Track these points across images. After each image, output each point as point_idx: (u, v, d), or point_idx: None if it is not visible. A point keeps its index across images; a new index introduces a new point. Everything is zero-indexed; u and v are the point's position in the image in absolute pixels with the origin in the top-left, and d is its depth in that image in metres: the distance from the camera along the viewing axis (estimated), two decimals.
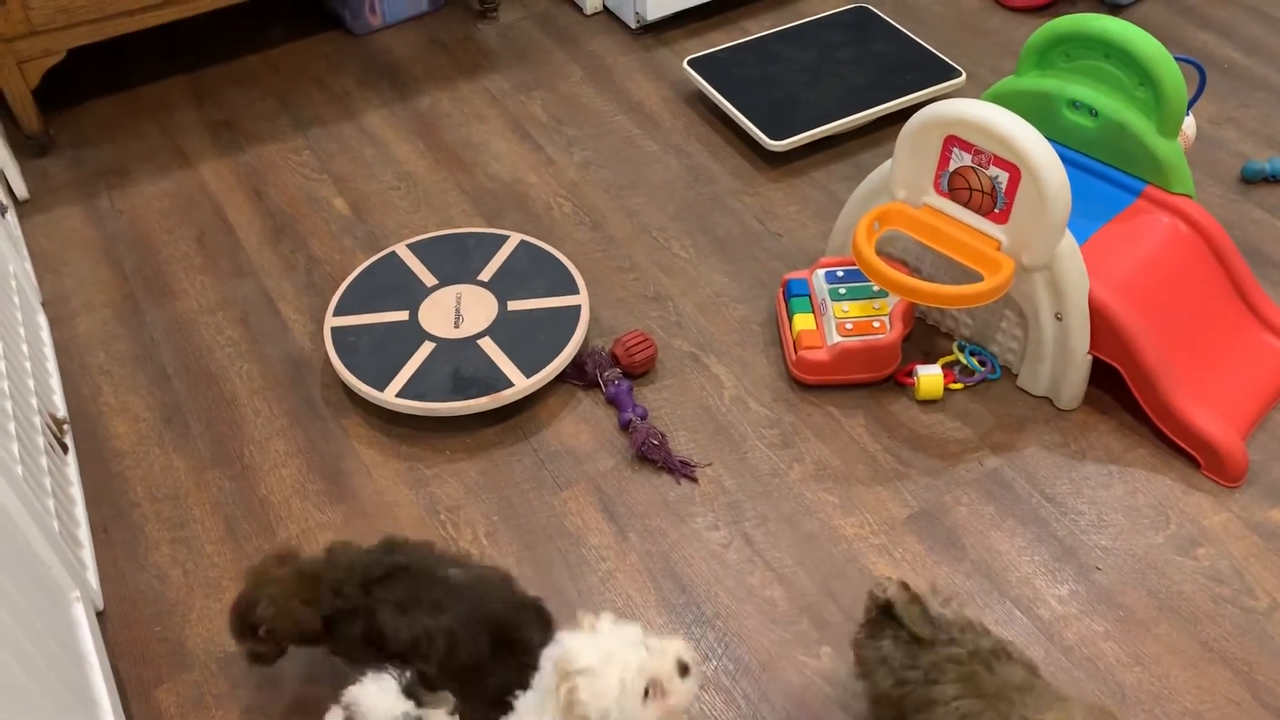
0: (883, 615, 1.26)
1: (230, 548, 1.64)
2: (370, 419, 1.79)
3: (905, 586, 1.26)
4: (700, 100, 2.38)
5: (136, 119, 2.39)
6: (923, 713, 1.19)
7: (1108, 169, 1.80)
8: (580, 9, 2.65)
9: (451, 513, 1.66)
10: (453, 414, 1.72)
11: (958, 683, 1.18)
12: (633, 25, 2.57)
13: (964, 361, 1.82)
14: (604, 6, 2.64)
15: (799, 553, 1.60)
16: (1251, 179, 2.13)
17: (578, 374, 1.82)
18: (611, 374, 1.79)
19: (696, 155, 2.27)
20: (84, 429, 1.79)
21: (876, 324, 1.78)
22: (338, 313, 1.86)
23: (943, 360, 1.82)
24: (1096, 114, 1.77)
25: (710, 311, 1.96)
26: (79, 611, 1.43)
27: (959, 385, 1.80)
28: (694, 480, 1.69)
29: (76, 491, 1.67)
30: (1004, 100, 1.85)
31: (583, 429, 1.77)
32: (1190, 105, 1.90)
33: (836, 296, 1.83)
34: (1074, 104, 1.79)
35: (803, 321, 1.83)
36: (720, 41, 2.46)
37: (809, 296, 1.87)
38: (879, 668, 1.26)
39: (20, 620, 1.20)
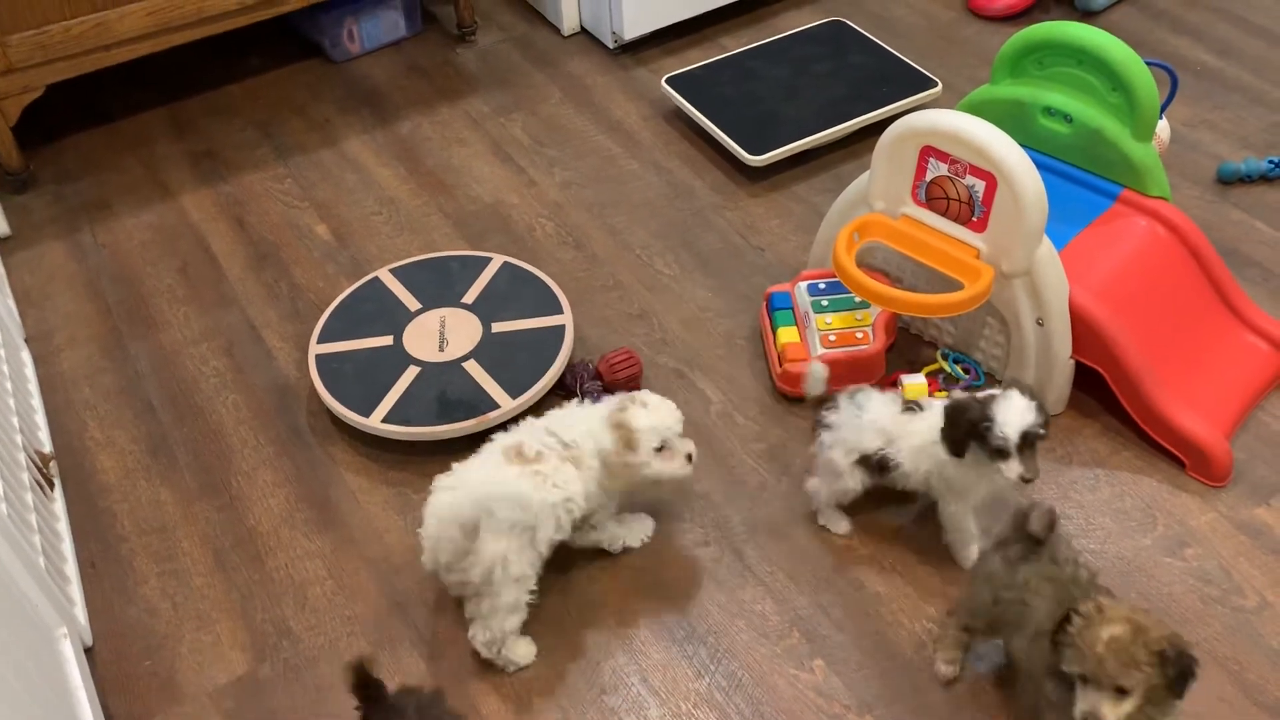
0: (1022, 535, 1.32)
1: (220, 579, 1.63)
2: (357, 445, 1.78)
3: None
4: (679, 117, 2.40)
5: (117, 152, 2.39)
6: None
7: (1084, 174, 1.82)
8: (558, 30, 2.67)
9: None
10: (439, 438, 1.72)
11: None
12: (610, 45, 2.58)
13: (948, 369, 1.82)
14: (582, 27, 2.66)
15: (789, 566, 1.60)
16: (1227, 180, 2.14)
17: (560, 384, 1.82)
18: (592, 386, 1.79)
19: (677, 172, 2.28)
20: (70, 464, 1.79)
21: (860, 335, 1.79)
22: (322, 340, 1.86)
23: (927, 369, 1.83)
24: (1071, 120, 1.79)
25: (695, 327, 1.96)
26: (66, 648, 1.43)
27: (943, 393, 1.80)
28: None
29: (63, 527, 1.67)
30: (979, 109, 1.87)
31: None
32: (1163, 109, 1.92)
33: (819, 308, 1.83)
34: (1049, 111, 1.81)
35: (787, 335, 1.83)
36: (698, 59, 2.47)
37: (792, 309, 1.87)
38: (984, 583, 1.35)
39: (6, 658, 1.20)
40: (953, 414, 1.43)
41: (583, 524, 1.53)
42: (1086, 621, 1.17)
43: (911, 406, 1.53)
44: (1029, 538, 1.31)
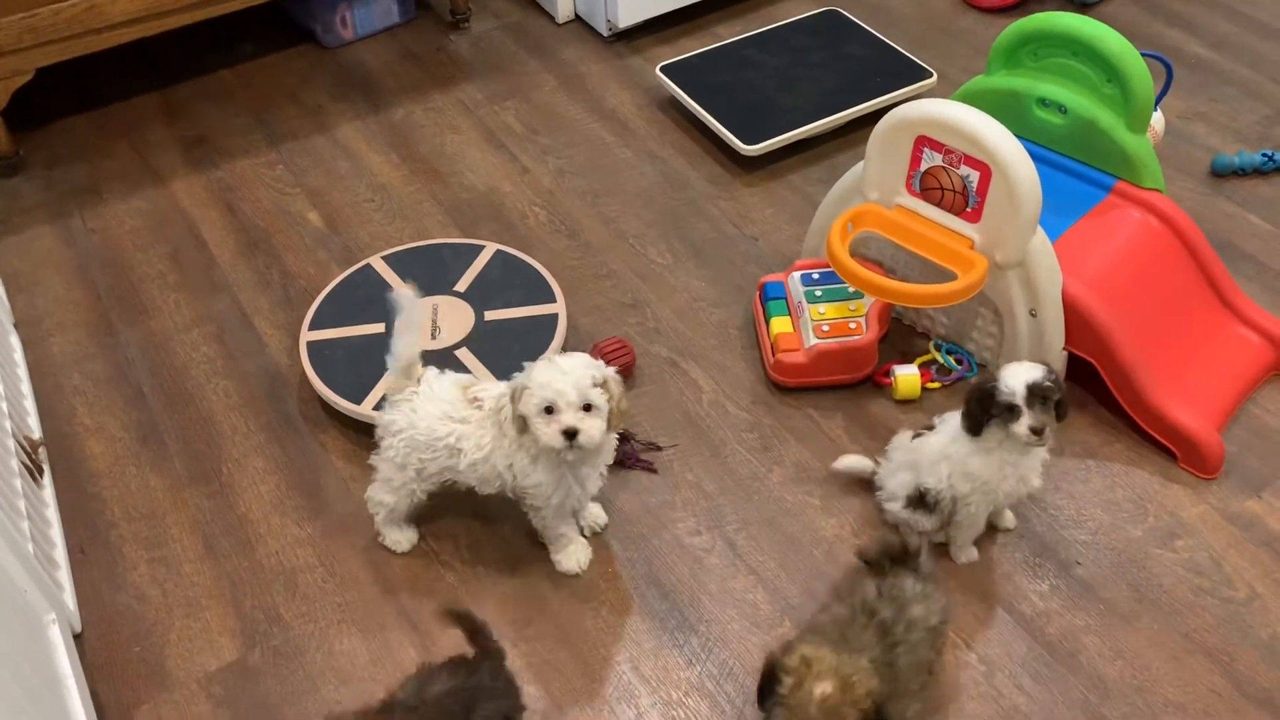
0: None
1: (209, 565, 1.62)
2: (348, 433, 1.78)
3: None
4: (674, 106, 2.39)
5: (108, 137, 2.37)
6: None
7: (1078, 165, 1.82)
8: (553, 18, 2.65)
9: (431, 525, 1.65)
10: None
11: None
12: (605, 33, 2.57)
13: (941, 360, 1.82)
14: (576, 15, 2.65)
15: (781, 555, 1.60)
16: (1221, 172, 2.14)
17: None
18: None
19: (671, 161, 2.28)
20: (60, 450, 1.78)
21: (853, 325, 1.78)
22: (313, 327, 1.85)
23: (920, 360, 1.82)
24: (1066, 111, 1.78)
25: (688, 317, 1.96)
26: (55, 634, 1.42)
27: (936, 384, 1.80)
28: (652, 471, 1.70)
29: (53, 513, 1.66)
30: (974, 100, 1.86)
31: None
32: (1158, 101, 1.91)
33: (813, 299, 1.83)
34: (1043, 102, 1.80)
35: (780, 324, 1.83)
36: (692, 48, 2.46)
37: (785, 299, 1.87)
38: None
39: None
40: (967, 395, 1.44)
41: (523, 499, 1.51)
42: (796, 679, 1.14)
43: (921, 432, 1.56)
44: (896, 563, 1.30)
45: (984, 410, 1.41)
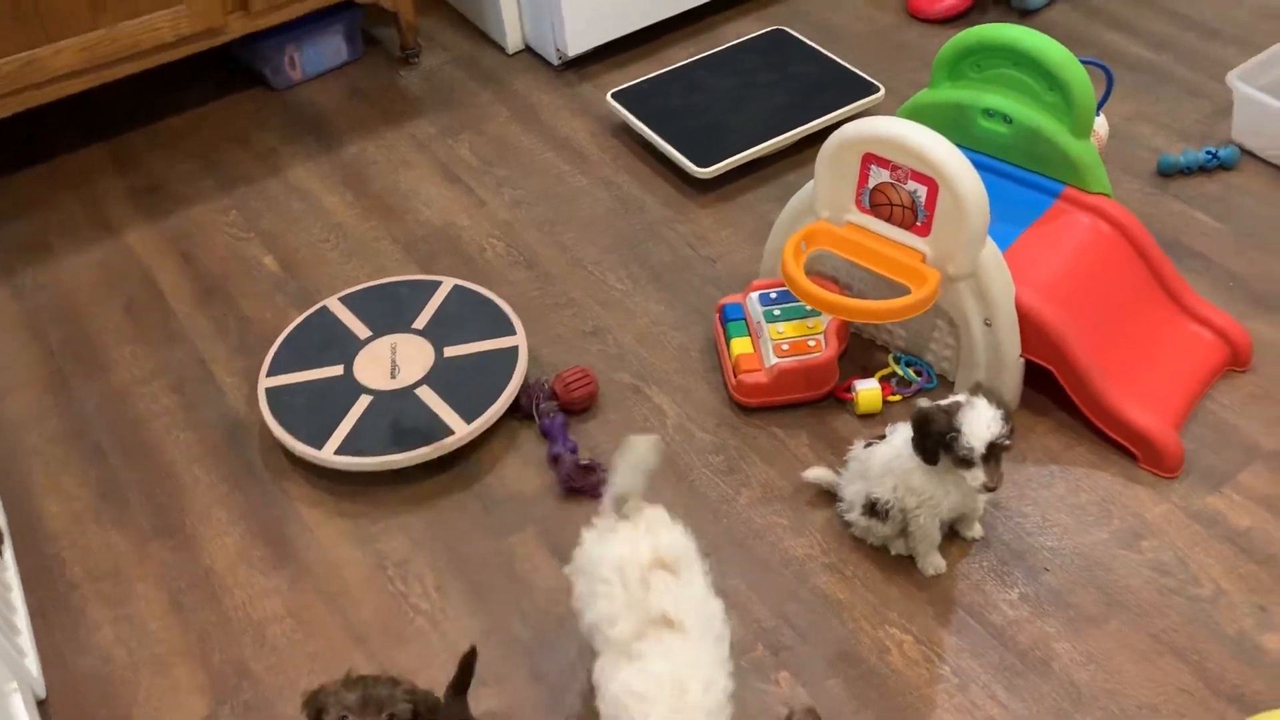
0: None
1: (176, 621, 1.60)
2: (311, 478, 1.76)
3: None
4: (626, 132, 2.40)
5: (56, 191, 2.35)
6: None
7: (1026, 173, 1.83)
8: (502, 49, 2.66)
9: (400, 568, 1.64)
10: (394, 467, 1.70)
11: None
12: (555, 62, 2.58)
13: (900, 373, 1.83)
14: (526, 45, 2.65)
15: (752, 578, 1.60)
16: (1167, 172, 2.17)
17: (515, 407, 1.81)
18: (548, 406, 1.78)
19: (626, 187, 2.28)
20: (19, 513, 1.75)
21: (812, 343, 1.79)
22: (271, 373, 1.83)
23: (880, 373, 1.83)
24: (1010, 121, 1.80)
25: (649, 342, 1.96)
26: (17, 702, 1.39)
27: (897, 397, 1.81)
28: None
29: (12, 577, 1.63)
30: (920, 113, 1.88)
31: (528, 471, 1.76)
32: (1100, 106, 1.94)
33: (771, 318, 1.84)
34: (988, 112, 1.82)
35: (740, 345, 1.83)
36: (642, 73, 2.48)
37: (745, 320, 1.88)
38: None
39: None
40: (921, 424, 1.44)
41: None
42: None
43: (873, 441, 1.57)
44: None
45: (939, 446, 1.42)
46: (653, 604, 1.23)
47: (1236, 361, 1.80)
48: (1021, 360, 1.71)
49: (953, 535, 1.62)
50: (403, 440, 1.71)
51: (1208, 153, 2.16)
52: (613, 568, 1.28)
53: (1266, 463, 1.67)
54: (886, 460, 1.52)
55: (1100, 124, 2.04)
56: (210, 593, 1.63)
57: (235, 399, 1.90)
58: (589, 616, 1.30)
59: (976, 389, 1.43)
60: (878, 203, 1.68)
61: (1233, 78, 2.12)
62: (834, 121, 2.24)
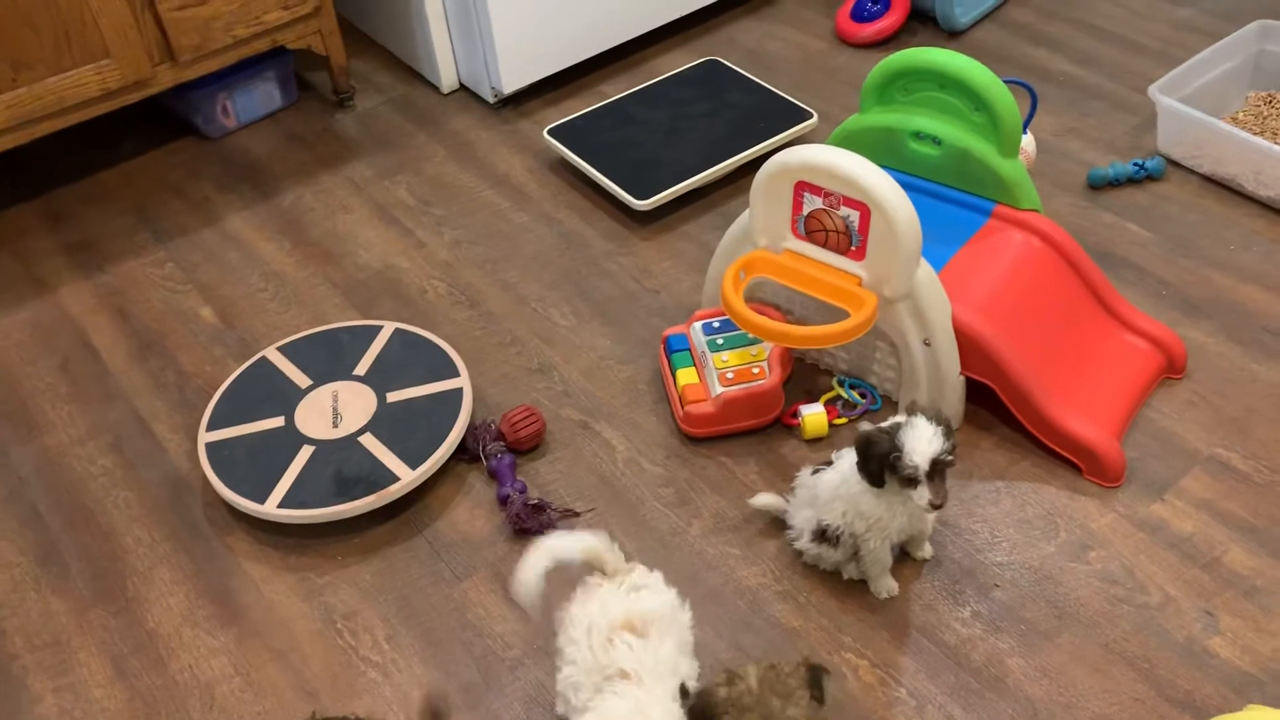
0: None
1: (120, 688, 1.56)
2: (256, 533, 1.73)
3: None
4: (565, 167, 2.40)
5: None
6: None
7: (957, 194, 1.86)
8: (437, 89, 2.66)
9: (348, 620, 1.61)
10: (339, 518, 1.67)
11: None
12: (491, 100, 2.58)
13: (845, 396, 1.84)
14: (460, 84, 2.65)
15: (705, 610, 1.59)
16: (1097, 185, 2.21)
17: (462, 449, 1.79)
18: (495, 447, 1.77)
19: (567, 222, 2.28)
20: None
21: (756, 370, 1.80)
22: (211, 427, 1.80)
23: (825, 397, 1.84)
24: (940, 142, 1.83)
25: (596, 376, 1.96)
26: None
27: (843, 420, 1.82)
28: None
29: None
30: (851, 138, 1.90)
31: (477, 514, 1.74)
32: (1026, 124, 1.98)
33: (715, 347, 1.84)
34: (918, 135, 1.85)
35: (686, 376, 1.83)
36: (578, 108, 2.48)
37: (689, 350, 1.88)
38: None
39: None
40: (864, 447, 1.44)
41: None
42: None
43: (820, 467, 1.57)
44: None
45: (883, 468, 1.43)
46: (612, 661, 1.26)
47: (1173, 369, 1.83)
48: (962, 378, 1.73)
49: (904, 556, 1.62)
50: (347, 490, 1.69)
51: (1135, 164, 2.20)
52: (583, 629, 1.31)
53: (1205, 467, 1.70)
54: (834, 486, 1.52)
55: (1028, 142, 2.08)
56: (155, 656, 1.60)
57: (176, 455, 1.87)
58: (559, 676, 1.34)
59: (913, 408, 1.43)
60: (813, 229, 1.69)
61: (1154, 90, 2.17)
62: (769, 149, 2.26)
